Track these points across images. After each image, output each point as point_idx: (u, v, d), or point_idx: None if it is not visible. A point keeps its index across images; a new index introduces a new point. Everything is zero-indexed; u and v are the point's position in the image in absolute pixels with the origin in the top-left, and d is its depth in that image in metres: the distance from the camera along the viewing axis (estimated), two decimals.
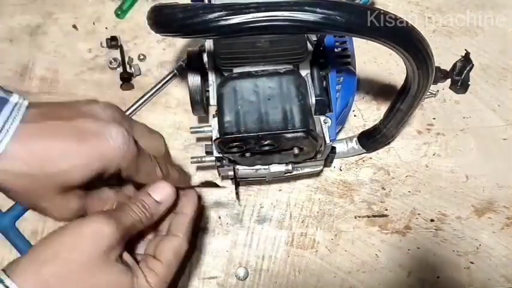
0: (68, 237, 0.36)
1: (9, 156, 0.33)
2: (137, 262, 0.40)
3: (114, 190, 0.43)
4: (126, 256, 0.39)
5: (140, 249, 0.44)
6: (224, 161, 0.50)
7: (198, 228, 0.58)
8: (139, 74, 0.66)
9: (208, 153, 0.50)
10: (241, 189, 0.60)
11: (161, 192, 0.41)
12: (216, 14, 0.35)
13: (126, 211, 0.39)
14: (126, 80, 0.64)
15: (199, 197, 0.47)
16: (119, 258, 0.37)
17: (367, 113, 0.64)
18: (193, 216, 0.44)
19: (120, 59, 0.66)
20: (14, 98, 0.35)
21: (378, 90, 0.65)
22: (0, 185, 0.35)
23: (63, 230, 0.36)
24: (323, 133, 0.47)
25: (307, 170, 0.55)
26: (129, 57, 0.66)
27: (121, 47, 0.66)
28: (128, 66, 0.65)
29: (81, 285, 0.35)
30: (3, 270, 0.34)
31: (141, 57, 0.67)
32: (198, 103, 0.50)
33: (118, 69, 0.66)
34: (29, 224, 0.58)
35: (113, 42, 0.66)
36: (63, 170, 0.34)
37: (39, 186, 0.35)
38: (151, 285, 0.39)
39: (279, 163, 0.51)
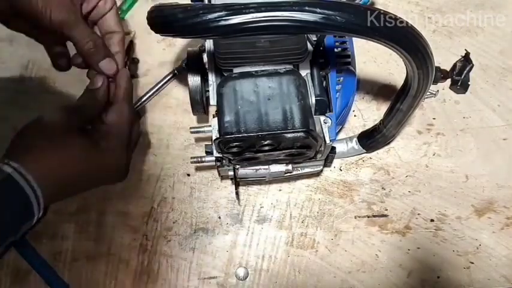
0: (36, 127, 0.45)
1: None
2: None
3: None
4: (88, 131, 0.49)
5: None
6: (224, 161, 0.50)
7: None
8: (138, 76, 0.66)
9: (208, 153, 0.50)
10: (241, 189, 0.60)
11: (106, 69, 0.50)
12: (216, 14, 0.35)
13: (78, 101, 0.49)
14: None
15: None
16: (79, 132, 0.47)
17: (367, 113, 0.64)
18: (128, 86, 0.51)
19: None
20: None
21: (378, 90, 0.65)
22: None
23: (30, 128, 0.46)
24: (323, 133, 0.47)
25: (307, 170, 0.55)
26: (134, 58, 0.66)
27: None
28: (128, 66, 0.65)
29: (60, 153, 0.44)
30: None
31: (136, 60, 0.66)
32: (198, 103, 0.50)
33: None
34: None
35: None
36: None
37: None
38: (109, 144, 0.48)
39: (278, 163, 0.51)
